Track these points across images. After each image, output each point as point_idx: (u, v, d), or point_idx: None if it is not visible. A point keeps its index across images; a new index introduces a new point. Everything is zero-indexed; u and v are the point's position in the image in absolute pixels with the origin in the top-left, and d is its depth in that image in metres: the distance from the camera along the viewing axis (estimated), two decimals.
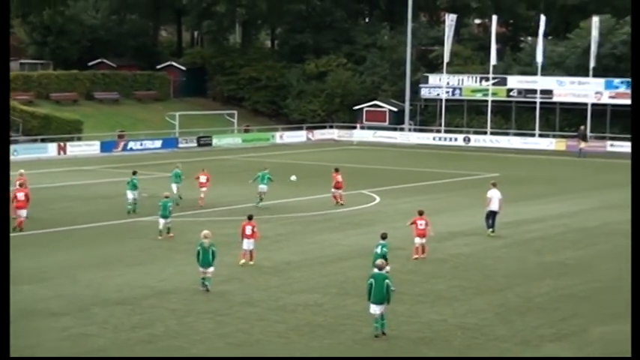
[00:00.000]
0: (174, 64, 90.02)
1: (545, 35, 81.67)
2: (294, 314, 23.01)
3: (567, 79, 79.79)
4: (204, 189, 40.80)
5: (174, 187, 40.49)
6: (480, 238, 33.82)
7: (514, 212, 38.61)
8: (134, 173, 39.36)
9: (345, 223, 37.22)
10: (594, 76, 77.99)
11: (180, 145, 72.23)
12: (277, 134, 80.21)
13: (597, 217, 39.79)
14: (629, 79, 78.12)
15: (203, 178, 41.02)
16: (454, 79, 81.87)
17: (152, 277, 26.95)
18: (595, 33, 77.13)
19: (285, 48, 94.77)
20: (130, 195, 38.51)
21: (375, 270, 21.41)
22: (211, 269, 25.37)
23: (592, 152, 72.07)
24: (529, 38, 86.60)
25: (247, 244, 28.64)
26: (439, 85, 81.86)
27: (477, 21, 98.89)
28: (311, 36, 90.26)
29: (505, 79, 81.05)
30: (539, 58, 78.40)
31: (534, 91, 79.58)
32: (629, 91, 77.89)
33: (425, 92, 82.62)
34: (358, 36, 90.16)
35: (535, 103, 79.40)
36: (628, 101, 78.19)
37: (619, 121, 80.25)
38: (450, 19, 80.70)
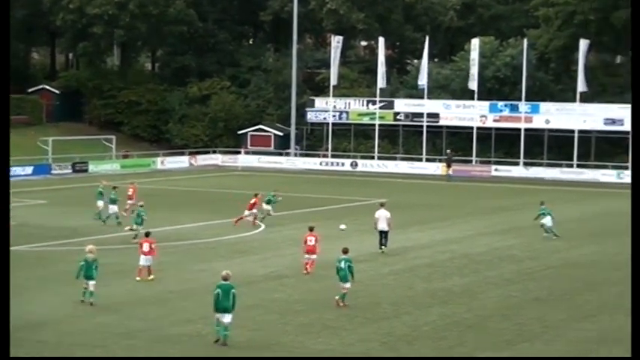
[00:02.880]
0: (47, 87, 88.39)
1: (431, 58, 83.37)
2: (177, 345, 22.75)
3: (453, 103, 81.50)
4: (130, 201, 44.26)
5: (100, 203, 43.90)
6: (368, 264, 34.13)
7: (402, 238, 39.16)
8: (114, 188, 43.89)
9: (231, 251, 37.09)
10: (479, 99, 79.87)
11: (54, 172, 70.87)
12: (158, 160, 79.50)
13: (483, 243, 40.65)
14: (513, 102, 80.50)
15: (130, 191, 45.41)
16: (341, 103, 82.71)
17: (20, 308, 26.31)
18: (475, 55, 79.01)
19: (166, 71, 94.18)
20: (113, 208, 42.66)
21: (222, 281, 22.73)
22: (92, 282, 26.53)
23: (460, 177, 73.64)
24: (415, 61, 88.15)
25: (144, 260, 29.96)
26: (326, 109, 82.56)
27: (364, 43, 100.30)
28: (193, 58, 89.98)
29: (392, 103, 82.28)
30: (424, 80, 79.91)
31: (421, 115, 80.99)
32: (512, 115, 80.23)
33: (311, 116, 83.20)
34: (242, 58, 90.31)
35: (422, 126, 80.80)
36: (512, 125, 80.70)
37: (503, 144, 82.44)
38: (336, 41, 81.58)
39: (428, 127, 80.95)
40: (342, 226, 40.67)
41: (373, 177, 74.10)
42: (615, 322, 25.92)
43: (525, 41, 79.46)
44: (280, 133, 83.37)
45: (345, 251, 27.99)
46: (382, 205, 37.60)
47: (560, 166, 79.50)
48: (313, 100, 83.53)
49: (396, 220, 38.87)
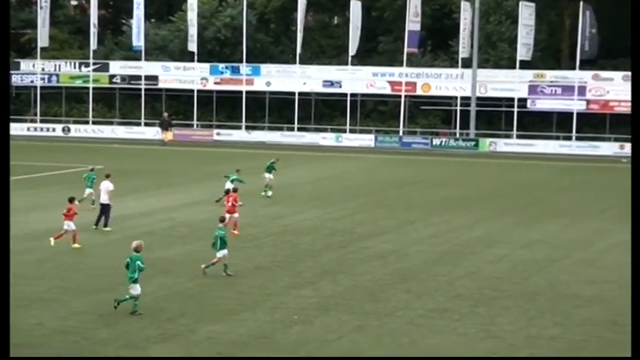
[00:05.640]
0: None
1: (148, 18, 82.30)
2: None
3: (172, 65, 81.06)
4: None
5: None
6: (85, 235, 33.18)
7: (120, 207, 38.40)
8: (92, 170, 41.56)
9: None
10: (199, 61, 79.84)
11: None
12: None
13: (205, 210, 40.71)
14: (234, 64, 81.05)
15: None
16: (50, 65, 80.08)
17: None
18: (193, 16, 78.89)
19: None
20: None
21: (133, 252, 23.50)
22: None
23: (183, 141, 73.77)
24: (131, 21, 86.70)
25: (67, 225, 31.55)
26: (33, 72, 79.65)
27: (74, 2, 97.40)
28: None
29: (107, 65, 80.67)
30: (141, 41, 78.83)
31: (139, 77, 79.95)
32: (234, 77, 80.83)
33: (16, 79, 79.96)
34: None
35: (140, 89, 79.75)
36: (233, 87, 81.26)
37: (225, 108, 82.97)
38: (44, 1, 78.69)
39: (146, 90, 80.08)
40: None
41: (88, 143, 72.35)
42: (338, 287, 26.69)
43: (245, 1, 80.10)
44: None
45: (222, 220, 28.51)
46: (107, 176, 36.38)
47: (281, 129, 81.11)
48: (18, 63, 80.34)
49: (115, 188, 38.05)
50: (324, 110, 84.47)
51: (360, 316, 23.47)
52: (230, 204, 35.02)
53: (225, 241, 27.84)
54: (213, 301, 24.65)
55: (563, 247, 33.59)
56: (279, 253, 31.62)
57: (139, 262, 23.28)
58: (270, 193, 45.14)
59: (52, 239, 31.57)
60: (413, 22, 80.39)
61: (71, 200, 32.69)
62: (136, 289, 23.27)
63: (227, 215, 33.32)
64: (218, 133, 79.53)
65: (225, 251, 27.85)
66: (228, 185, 42.64)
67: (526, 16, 78.03)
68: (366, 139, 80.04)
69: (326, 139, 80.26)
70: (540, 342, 21.47)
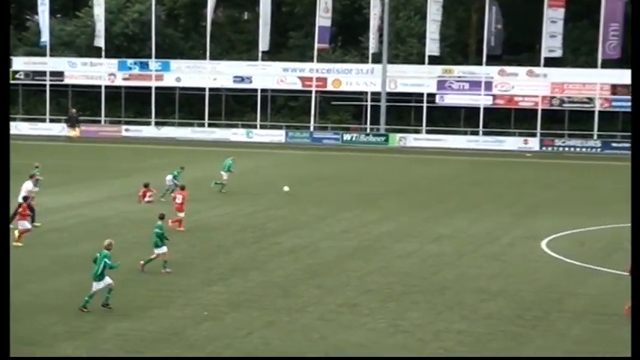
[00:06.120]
0: None
1: (53, 13, 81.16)
2: None
3: (79, 60, 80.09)
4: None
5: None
6: None
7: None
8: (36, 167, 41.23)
9: None
10: (107, 57, 79.06)
11: None
12: None
13: (114, 207, 40.45)
14: (143, 60, 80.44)
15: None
16: None
17: None
18: (99, 11, 78.14)
19: None
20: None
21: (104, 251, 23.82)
22: None
23: (90, 137, 73.07)
24: (35, 17, 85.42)
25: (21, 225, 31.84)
26: None
27: None
28: None
29: (10, 61, 79.25)
30: (46, 37, 77.75)
31: (44, 73, 78.83)
32: (143, 73, 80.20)
33: None
34: None
35: (45, 85, 78.63)
36: (142, 83, 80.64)
37: (134, 104, 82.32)
38: None
39: (52, 86, 79.00)
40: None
41: None
42: (249, 283, 26.83)
43: None
44: None
45: (161, 217, 28.59)
46: (31, 177, 36.88)
47: (191, 125, 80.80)
48: None
49: (21, 185, 37.54)
50: (235, 106, 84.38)
51: (271, 312, 23.65)
52: (179, 202, 35.48)
53: (163, 237, 27.95)
54: (124, 298, 24.54)
55: (471, 242, 34.23)
56: (190, 250, 31.61)
57: (106, 259, 23.53)
58: (223, 190, 45.84)
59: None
60: (323, 18, 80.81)
61: (25, 199, 33.49)
62: (105, 282, 23.49)
63: (180, 214, 34.61)
64: (127, 129, 78.89)
65: (164, 248, 27.93)
66: (170, 181, 42.82)
67: (434, 11, 79.09)
68: (277, 135, 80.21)
69: (237, 134, 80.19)
70: (448, 336, 21.91)
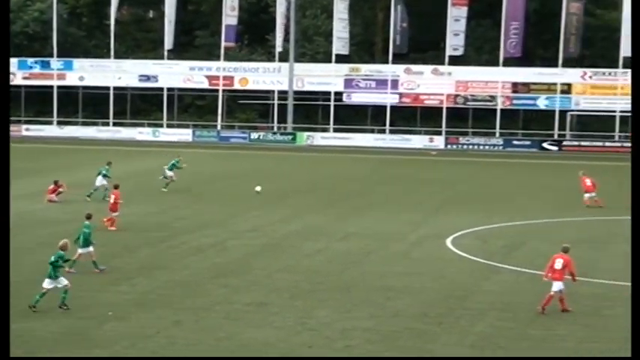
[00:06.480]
0: None
1: None
2: None
3: None
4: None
5: None
6: None
7: None
8: None
9: None
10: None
11: None
12: None
13: (17, 206, 39.72)
14: (44, 59, 79.16)
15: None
16: None
17: None
18: None
19: None
20: None
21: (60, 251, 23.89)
22: None
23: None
24: None
25: None
26: None
27: None
28: None
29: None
30: None
31: None
32: (44, 72, 78.95)
33: None
34: None
35: None
36: (44, 82, 79.31)
37: (35, 103, 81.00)
38: None
39: None
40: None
41: None
42: (155, 283, 26.63)
43: None
44: None
45: (89, 217, 28.62)
46: None
47: (96, 124, 79.82)
48: None
49: None
50: (141, 105, 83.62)
51: (178, 312, 23.50)
52: (112, 201, 35.53)
53: (89, 237, 27.79)
54: (27, 299, 24.12)
55: (378, 240, 34.49)
56: (96, 250, 31.16)
57: (60, 260, 23.73)
58: (165, 189, 46.12)
59: None
60: (230, 16, 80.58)
61: None
62: (61, 283, 23.47)
63: (114, 214, 34.87)
64: (27, 129, 77.56)
65: (90, 248, 27.74)
66: (100, 181, 42.43)
67: (341, 9, 79.49)
68: (184, 134, 79.73)
69: (143, 133, 79.49)
70: (355, 334, 22.03)
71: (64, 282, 23.63)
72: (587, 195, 43.40)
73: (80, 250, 27.68)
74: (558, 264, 23.93)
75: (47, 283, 23.59)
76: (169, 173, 47.25)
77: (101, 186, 42.57)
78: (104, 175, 43.03)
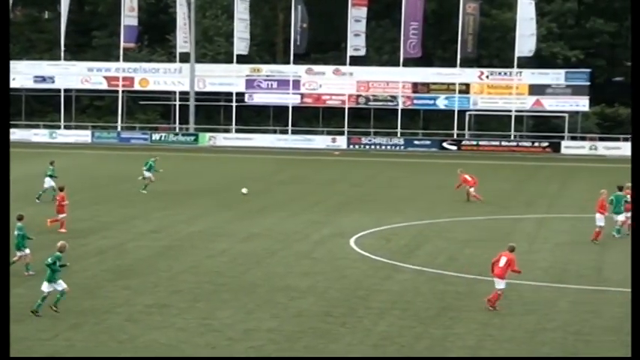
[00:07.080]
0: None
1: None
2: None
3: None
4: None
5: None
6: None
7: None
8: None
9: None
10: None
11: None
12: None
13: None
14: None
15: None
16: None
17: None
18: None
19: None
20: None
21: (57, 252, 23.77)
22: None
23: None
24: None
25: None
26: None
27: None
28: None
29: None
30: None
31: None
32: None
33: None
34: None
35: None
36: None
37: None
38: None
39: None
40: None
41: None
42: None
43: None
44: None
45: (20, 218, 28.30)
46: None
47: None
48: None
49: None
50: (36, 106, 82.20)
51: (77, 314, 23.16)
52: (58, 204, 35.50)
53: (25, 239, 27.66)
54: None
55: (281, 240, 34.51)
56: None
57: (57, 261, 23.58)
58: (144, 191, 46.34)
59: None
60: (129, 17, 79.71)
61: None
62: (60, 286, 23.33)
63: (61, 215, 34.94)
64: None
65: (27, 250, 27.58)
66: (48, 182, 41.94)
67: (241, 10, 79.32)
68: (83, 135, 78.61)
69: (38, 135, 78.15)
70: (258, 334, 22.01)
71: (62, 285, 23.41)
72: (472, 189, 44.79)
73: (18, 253, 27.49)
74: (502, 261, 24.74)
75: (46, 287, 23.34)
76: (147, 174, 47.30)
77: (49, 187, 42.48)
78: (50, 176, 42.85)
